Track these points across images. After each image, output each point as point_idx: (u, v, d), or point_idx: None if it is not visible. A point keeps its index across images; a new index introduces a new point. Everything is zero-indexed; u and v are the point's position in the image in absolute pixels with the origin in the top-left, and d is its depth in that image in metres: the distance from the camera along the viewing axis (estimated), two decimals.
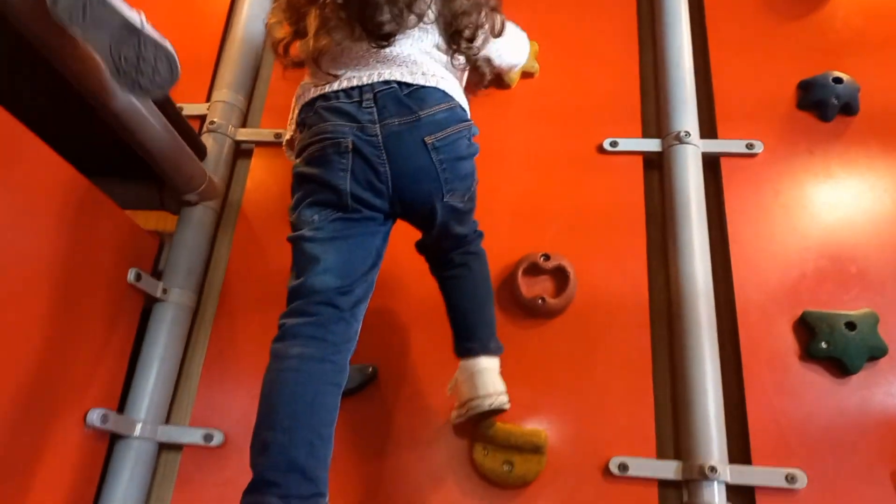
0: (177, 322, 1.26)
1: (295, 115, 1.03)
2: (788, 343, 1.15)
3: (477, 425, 1.10)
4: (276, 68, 1.55)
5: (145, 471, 1.16)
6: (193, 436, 1.18)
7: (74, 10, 0.80)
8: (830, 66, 1.34)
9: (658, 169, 1.35)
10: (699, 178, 1.28)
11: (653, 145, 1.35)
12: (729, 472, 1.05)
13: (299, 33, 1.02)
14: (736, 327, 1.17)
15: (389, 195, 0.94)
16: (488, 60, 1.15)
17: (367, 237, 0.95)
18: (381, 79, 0.94)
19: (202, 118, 1.46)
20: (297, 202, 0.96)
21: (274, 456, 0.80)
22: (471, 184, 1.00)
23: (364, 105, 0.93)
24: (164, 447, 1.21)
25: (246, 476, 0.81)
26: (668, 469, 1.08)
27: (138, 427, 1.16)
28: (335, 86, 0.96)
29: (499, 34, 1.09)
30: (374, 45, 0.94)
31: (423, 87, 0.95)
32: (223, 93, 1.46)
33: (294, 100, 1.04)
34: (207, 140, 1.40)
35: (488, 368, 1.02)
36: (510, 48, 1.24)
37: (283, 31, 1.05)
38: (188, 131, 1.25)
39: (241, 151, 1.48)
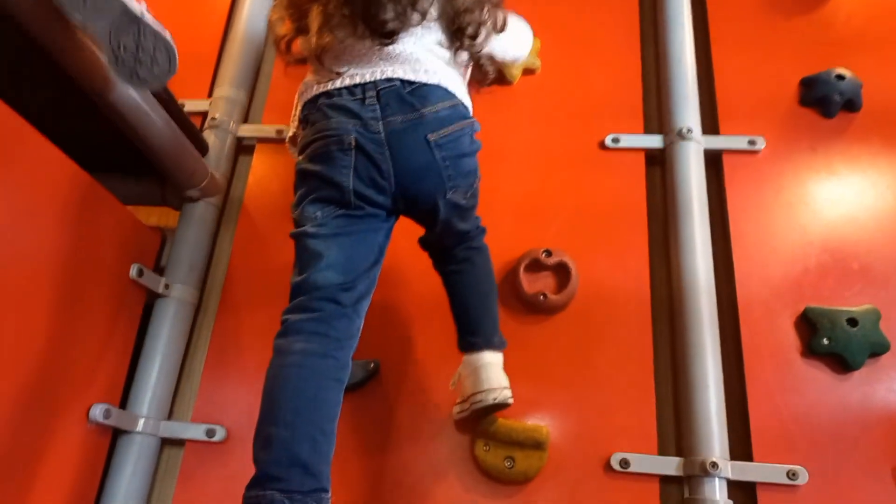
0: (179, 318, 1.26)
1: (298, 112, 1.03)
2: (790, 339, 1.15)
3: (479, 421, 1.11)
4: (277, 64, 1.55)
5: (148, 466, 1.17)
6: (196, 431, 1.18)
7: None
8: (833, 63, 1.34)
9: (660, 165, 1.35)
10: (701, 175, 1.28)
11: (655, 141, 1.34)
12: (730, 469, 1.05)
13: (301, 30, 1.02)
14: (738, 323, 1.17)
15: (392, 192, 0.94)
16: (491, 58, 1.15)
17: (369, 234, 0.95)
18: (383, 76, 0.94)
19: (204, 114, 1.45)
20: (299, 199, 0.96)
21: (276, 451, 0.80)
22: (473, 181, 1.00)
23: (367, 102, 0.93)
24: (166, 442, 1.21)
25: (248, 471, 0.81)
26: (670, 465, 1.08)
27: (141, 422, 1.16)
28: (338, 83, 0.96)
29: (501, 30, 1.09)
30: (377, 42, 0.94)
31: (426, 84, 0.95)
32: (225, 89, 1.46)
33: (297, 96, 1.04)
34: (209, 136, 1.40)
35: (492, 363, 1.02)
36: (513, 41, 1.23)
37: (285, 28, 1.05)
38: (190, 127, 1.25)
39: (242, 147, 1.48)
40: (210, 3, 1.63)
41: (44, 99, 1.07)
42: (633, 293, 1.22)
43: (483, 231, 1.08)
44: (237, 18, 1.56)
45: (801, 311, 1.16)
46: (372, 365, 1.18)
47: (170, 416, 1.22)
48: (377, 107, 0.93)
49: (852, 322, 1.12)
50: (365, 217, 0.94)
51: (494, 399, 1.00)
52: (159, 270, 1.29)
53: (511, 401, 1.02)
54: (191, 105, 1.45)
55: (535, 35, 1.32)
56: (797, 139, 1.32)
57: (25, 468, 0.97)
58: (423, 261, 1.09)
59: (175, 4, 1.60)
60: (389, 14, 0.92)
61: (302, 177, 0.97)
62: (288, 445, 0.80)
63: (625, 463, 1.08)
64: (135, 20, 0.85)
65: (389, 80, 0.94)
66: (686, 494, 1.07)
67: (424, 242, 1.08)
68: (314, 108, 0.97)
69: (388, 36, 0.94)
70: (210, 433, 1.17)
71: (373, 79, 0.94)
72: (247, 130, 1.46)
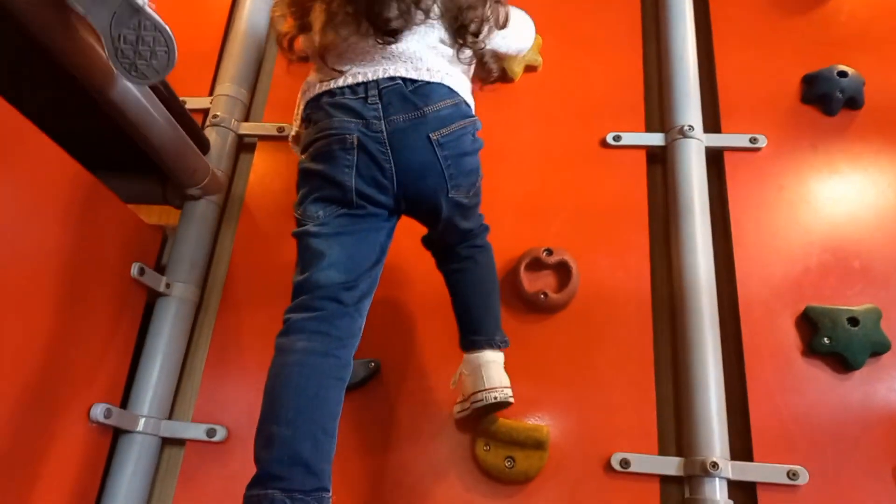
0: (180, 317, 1.26)
1: (300, 111, 1.03)
2: (791, 338, 1.15)
3: (479, 420, 1.11)
4: (279, 62, 1.55)
5: (148, 466, 1.17)
6: (196, 431, 1.18)
7: None
8: (835, 60, 1.33)
9: (661, 163, 1.35)
10: (702, 173, 1.28)
11: (656, 139, 1.34)
12: (731, 469, 1.05)
13: (304, 28, 1.02)
14: (738, 322, 1.17)
15: (394, 191, 0.94)
16: (495, 54, 1.15)
17: (371, 233, 0.96)
18: (386, 75, 0.94)
19: (205, 112, 1.45)
20: (302, 198, 0.96)
21: (277, 450, 0.80)
22: (475, 179, 1.00)
23: (369, 101, 0.93)
24: (167, 442, 1.21)
25: (249, 471, 0.81)
26: (670, 465, 1.08)
27: (141, 422, 1.16)
28: (340, 82, 0.96)
29: (503, 26, 1.08)
30: (380, 41, 0.94)
31: (428, 83, 0.95)
32: (226, 86, 1.46)
33: (300, 95, 1.04)
34: (210, 134, 1.40)
35: (493, 361, 1.02)
36: (515, 35, 1.23)
37: (287, 26, 1.05)
38: (191, 125, 1.25)
39: (243, 145, 1.48)
40: (211, 0, 1.62)
41: (45, 97, 1.07)
42: (634, 292, 1.22)
43: (486, 229, 1.08)
44: (238, 16, 1.55)
45: (802, 310, 1.16)
46: (372, 364, 1.18)
47: (170, 415, 1.22)
48: (379, 106, 0.93)
49: (853, 321, 1.12)
50: (367, 216, 0.95)
51: (495, 398, 1.00)
52: (160, 269, 1.29)
53: (512, 400, 1.02)
54: (192, 103, 1.45)
55: (536, 32, 1.32)
56: (799, 137, 1.31)
57: (26, 467, 0.97)
58: (424, 260, 1.09)
59: (176, 1, 1.60)
60: (393, 12, 0.92)
61: (304, 176, 0.97)
62: (289, 444, 0.81)
63: (625, 463, 1.08)
64: (136, 12, 0.85)
65: (392, 78, 0.94)
66: (686, 494, 1.07)
67: (427, 241, 1.08)
68: (317, 107, 0.97)
69: (392, 34, 0.94)
70: (211, 433, 1.18)
71: (375, 77, 0.94)
72: (248, 128, 1.46)
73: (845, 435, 1.08)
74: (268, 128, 1.45)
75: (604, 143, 1.35)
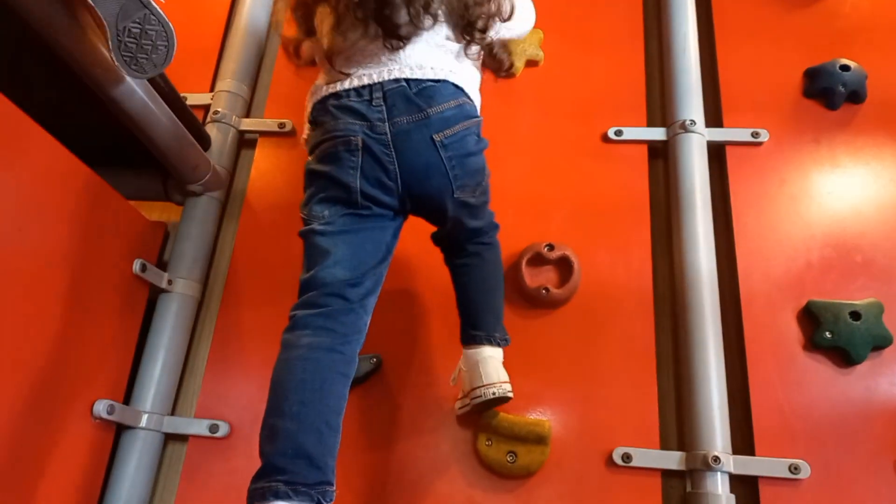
0: (182, 313, 1.27)
1: (308, 114, 1.03)
2: (793, 333, 1.15)
3: (480, 415, 1.11)
4: (279, 58, 1.55)
5: (151, 461, 1.17)
6: (199, 427, 1.19)
7: None
8: (838, 54, 1.33)
9: (663, 158, 1.35)
10: (704, 167, 1.28)
11: (658, 134, 1.34)
12: (732, 463, 1.05)
13: (309, 32, 1.02)
14: (740, 317, 1.17)
15: (399, 192, 0.94)
16: (504, 45, 1.14)
17: (376, 232, 0.96)
18: (390, 76, 0.94)
19: (206, 108, 1.45)
20: (308, 198, 0.97)
21: (281, 442, 0.81)
22: (481, 179, 1.00)
23: (374, 103, 0.94)
24: (170, 438, 1.22)
25: (252, 466, 0.81)
26: (672, 459, 1.08)
27: (144, 418, 1.17)
28: (346, 84, 0.96)
29: (509, 18, 1.08)
30: (388, 45, 0.94)
31: (434, 83, 0.95)
32: (227, 82, 1.46)
33: (308, 97, 1.04)
34: (211, 130, 1.40)
35: (491, 357, 1.03)
36: (518, 21, 1.22)
37: (292, 31, 1.05)
38: (192, 121, 1.25)
39: (244, 141, 1.47)
40: None
41: (46, 94, 1.07)
42: (636, 287, 1.22)
43: (496, 227, 1.08)
44: (239, 11, 1.55)
45: (804, 304, 1.16)
46: (375, 360, 1.18)
47: (173, 411, 1.23)
48: (384, 108, 0.93)
49: (855, 315, 1.12)
50: (372, 216, 0.95)
51: (494, 394, 1.00)
52: (162, 265, 1.29)
53: (511, 395, 1.02)
54: (193, 99, 1.45)
55: (537, 27, 1.31)
56: (801, 131, 1.31)
57: (30, 464, 0.98)
58: (427, 257, 1.09)
59: None
60: (404, 18, 0.93)
61: (311, 177, 0.98)
62: (293, 437, 0.81)
63: (627, 457, 1.09)
64: (142, 5, 0.85)
65: (396, 80, 0.94)
66: (688, 489, 1.07)
67: (436, 238, 1.08)
68: (323, 110, 0.98)
69: (401, 39, 0.94)
70: (213, 428, 1.18)
71: (380, 79, 0.94)
72: (249, 124, 1.46)
73: (847, 429, 1.08)
74: (269, 124, 1.45)
75: (605, 138, 1.35)
